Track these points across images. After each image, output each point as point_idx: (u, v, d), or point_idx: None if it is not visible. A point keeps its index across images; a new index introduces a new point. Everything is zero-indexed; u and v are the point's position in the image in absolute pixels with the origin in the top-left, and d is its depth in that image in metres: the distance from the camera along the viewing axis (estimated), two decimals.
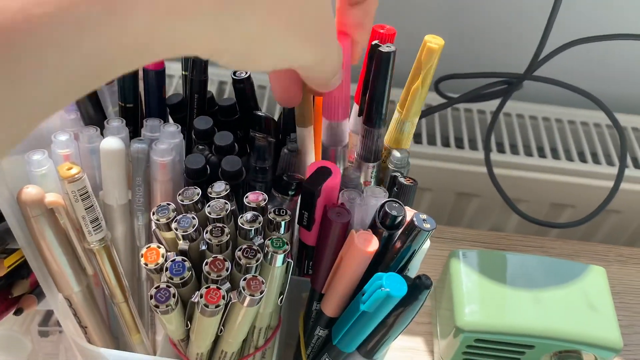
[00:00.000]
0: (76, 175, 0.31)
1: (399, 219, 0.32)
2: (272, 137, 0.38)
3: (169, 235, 0.33)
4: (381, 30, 0.34)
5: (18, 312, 0.35)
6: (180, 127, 0.35)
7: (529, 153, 0.72)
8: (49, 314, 0.44)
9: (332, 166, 0.34)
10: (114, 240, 0.36)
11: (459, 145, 0.71)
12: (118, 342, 0.41)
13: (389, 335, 0.33)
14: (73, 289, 0.34)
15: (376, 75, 0.34)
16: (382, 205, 0.32)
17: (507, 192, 0.65)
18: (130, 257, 0.38)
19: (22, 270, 0.36)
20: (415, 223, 0.30)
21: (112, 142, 0.32)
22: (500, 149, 0.72)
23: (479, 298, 0.45)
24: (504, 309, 0.44)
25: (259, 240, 0.32)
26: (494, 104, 0.75)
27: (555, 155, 0.72)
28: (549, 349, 0.44)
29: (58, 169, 0.31)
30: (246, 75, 0.37)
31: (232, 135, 0.36)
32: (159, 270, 0.31)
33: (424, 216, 0.31)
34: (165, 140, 0.34)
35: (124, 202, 0.35)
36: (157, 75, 0.37)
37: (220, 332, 0.33)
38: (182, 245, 0.32)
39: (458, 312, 0.44)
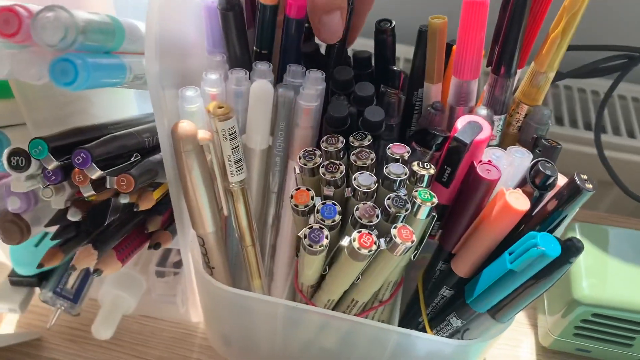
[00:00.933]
0: (228, 114, 0.31)
1: (552, 179, 0.31)
2: (404, 94, 0.37)
3: (311, 180, 0.33)
4: None
5: (157, 247, 0.36)
6: (324, 74, 0.34)
7: (631, 134, 0.69)
8: (165, 255, 0.45)
9: (483, 121, 0.33)
10: (248, 184, 0.36)
11: (558, 122, 0.69)
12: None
13: (526, 298, 0.32)
14: (208, 229, 0.35)
15: (510, 20, 0.33)
16: (535, 164, 0.32)
17: (600, 173, 0.63)
18: (260, 202, 0.38)
19: (160, 206, 0.37)
20: (577, 182, 0.29)
21: (264, 85, 0.32)
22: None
23: (598, 272, 0.43)
24: (624, 285, 0.43)
25: (402, 192, 0.32)
26: (594, 82, 0.73)
27: None
28: None
29: (209, 107, 0.31)
30: (391, 26, 0.36)
31: (373, 87, 0.35)
32: (308, 212, 0.31)
33: (585, 176, 0.30)
34: (311, 87, 0.34)
35: (265, 147, 0.35)
36: (297, 24, 0.36)
37: (357, 280, 0.33)
38: (327, 191, 0.32)
39: (576, 285, 0.43)
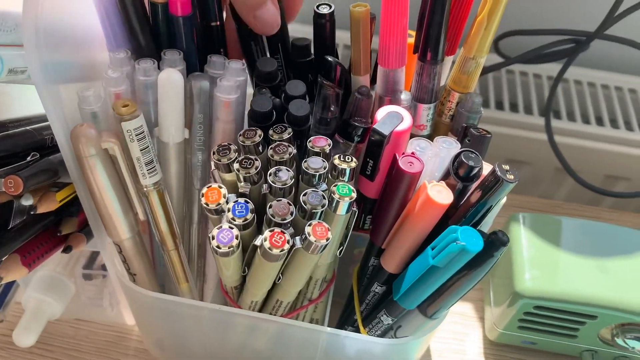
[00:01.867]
0: (133, 113, 0.29)
1: (476, 170, 0.30)
2: (341, 88, 0.35)
3: (228, 177, 0.31)
4: None
5: (67, 250, 0.34)
6: (245, 64, 0.33)
7: (586, 121, 0.68)
8: (93, 257, 0.43)
9: (404, 111, 0.31)
10: (166, 181, 0.34)
11: (513, 109, 0.68)
12: (164, 289, 0.40)
13: (455, 294, 0.31)
14: (123, 236, 0.33)
15: (433, 3, 0.31)
16: (458, 155, 0.30)
17: (557, 161, 0.62)
18: (182, 200, 0.36)
19: (72, 207, 0.35)
20: (498, 173, 0.28)
21: (172, 74, 0.30)
22: (555, 115, 0.68)
23: (541, 264, 0.42)
24: (567, 276, 0.42)
25: (322, 186, 0.30)
26: (551, 68, 0.72)
27: (615, 125, 0.68)
28: (612, 321, 0.41)
29: (113, 105, 0.29)
30: (330, 11, 0.34)
31: (305, 85, 0.33)
32: (220, 211, 0.29)
33: (507, 167, 0.28)
34: (231, 78, 0.32)
35: (180, 140, 0.33)
36: (185, 21, 0.32)
37: (279, 280, 0.31)
38: (243, 187, 0.30)
39: (518, 278, 0.42)
